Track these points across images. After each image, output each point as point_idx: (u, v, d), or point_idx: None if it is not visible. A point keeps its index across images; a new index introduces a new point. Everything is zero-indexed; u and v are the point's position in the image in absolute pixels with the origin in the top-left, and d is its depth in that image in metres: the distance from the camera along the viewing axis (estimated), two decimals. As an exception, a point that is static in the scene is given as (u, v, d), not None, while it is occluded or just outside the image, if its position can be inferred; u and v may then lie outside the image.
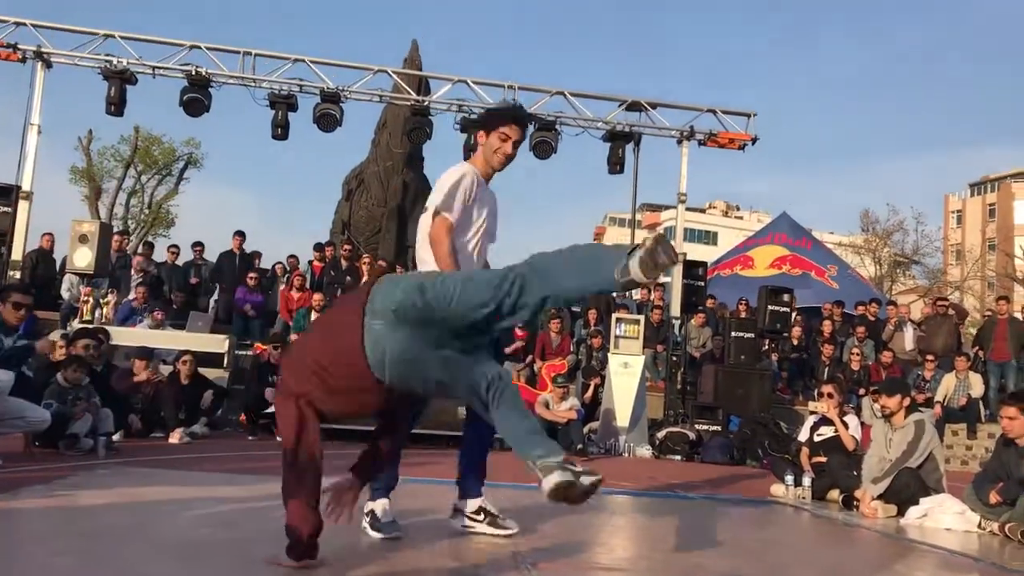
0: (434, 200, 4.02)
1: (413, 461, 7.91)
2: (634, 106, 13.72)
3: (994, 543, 5.14)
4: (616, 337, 11.08)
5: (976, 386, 12.43)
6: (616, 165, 13.71)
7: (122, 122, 32.45)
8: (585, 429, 10.14)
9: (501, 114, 4.14)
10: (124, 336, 10.36)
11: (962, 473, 9.23)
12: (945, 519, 5.61)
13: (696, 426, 11.05)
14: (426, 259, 4.02)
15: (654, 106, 13.83)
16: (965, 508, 5.66)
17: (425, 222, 4.07)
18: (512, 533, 3.92)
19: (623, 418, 10.49)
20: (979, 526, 5.52)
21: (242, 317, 12.65)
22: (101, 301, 11.54)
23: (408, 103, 13.86)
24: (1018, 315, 14.32)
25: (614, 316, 11.39)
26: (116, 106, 12.60)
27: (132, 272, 12.99)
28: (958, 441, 12.40)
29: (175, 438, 8.10)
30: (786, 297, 13.09)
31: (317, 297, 12.03)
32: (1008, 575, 4.14)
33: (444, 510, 4.86)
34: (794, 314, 14.67)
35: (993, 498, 5.50)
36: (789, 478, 6.90)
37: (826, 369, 12.66)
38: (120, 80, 12.51)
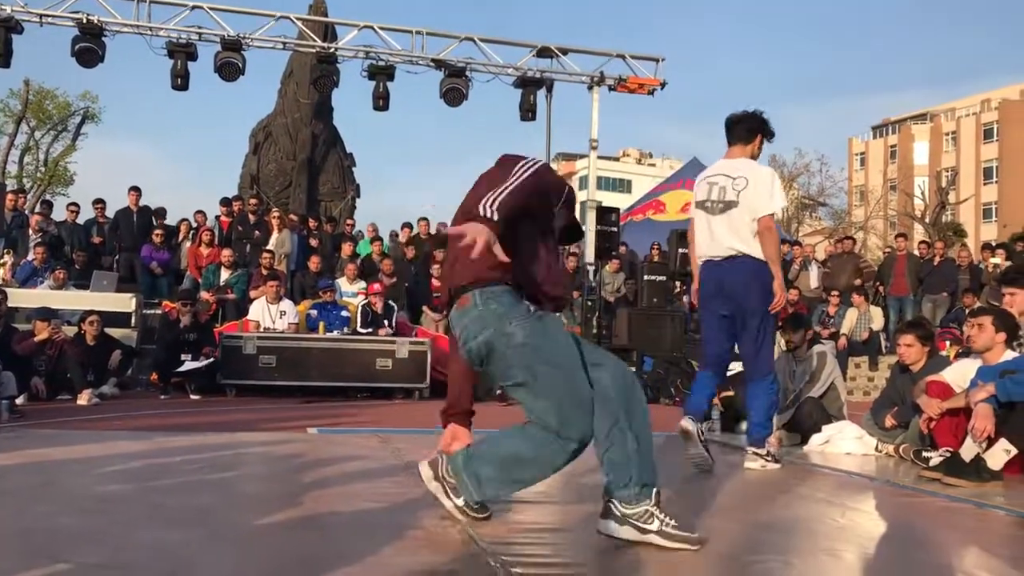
0: (763, 201, 4.75)
1: (328, 412, 7.93)
2: (544, 52, 13.65)
3: (889, 464, 5.42)
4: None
5: (877, 320, 12.98)
6: (528, 112, 13.67)
7: (10, 75, 30.94)
8: (503, 375, 10.25)
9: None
10: (25, 298, 9.98)
11: (865, 403, 9.62)
12: (845, 444, 5.88)
13: (611, 368, 11.27)
14: (750, 250, 4.77)
15: (564, 52, 13.78)
16: (864, 433, 5.94)
17: (746, 219, 4.76)
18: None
19: (540, 363, 10.61)
20: (876, 449, 5.81)
21: (149, 275, 12.31)
22: (-3, 263, 11.08)
23: (313, 51, 13.52)
24: (916, 252, 14.94)
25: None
26: (2, 57, 11.96)
27: (30, 232, 12.48)
28: (860, 372, 12.96)
29: (83, 399, 7.90)
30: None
31: (226, 253, 11.78)
32: (899, 491, 4.38)
33: (365, 456, 4.90)
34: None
35: (889, 422, 5.78)
36: (700, 412, 7.11)
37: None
38: (4, 29, 11.83)
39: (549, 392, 2.76)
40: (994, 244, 15.74)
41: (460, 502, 2.99)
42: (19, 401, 7.03)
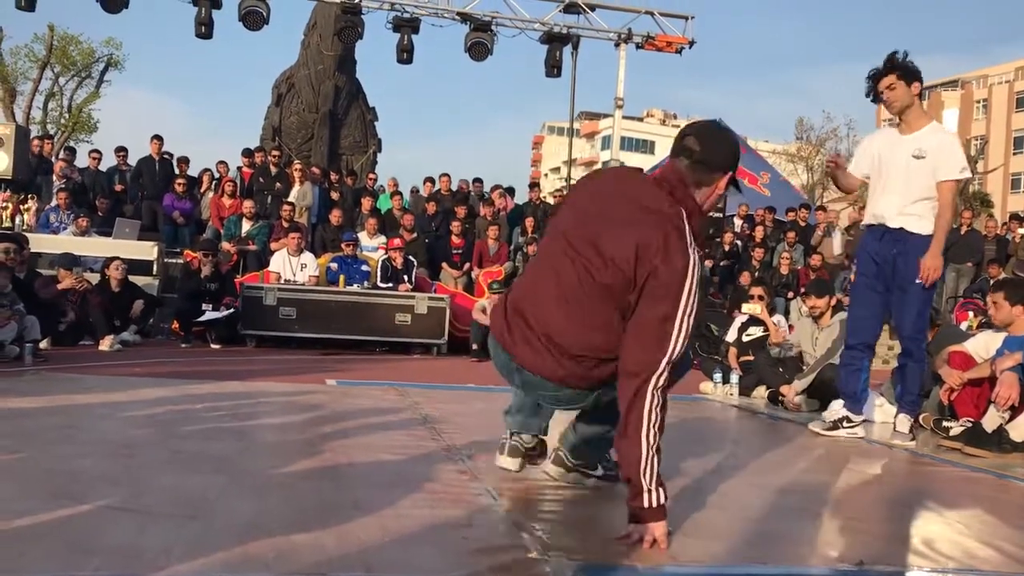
0: (952, 165, 4.50)
1: (347, 365, 7.97)
2: (572, 7, 13.48)
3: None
4: (552, 243, 11.10)
5: (899, 288, 12.84)
6: (554, 68, 13.53)
7: (35, 20, 30.81)
8: (520, 333, 10.23)
9: None
10: (48, 243, 10.03)
11: (885, 371, 9.55)
12: (865, 411, 5.84)
13: (629, 329, 11.21)
14: (927, 215, 4.57)
15: (592, 7, 13.60)
16: (884, 401, 5.90)
17: (928, 182, 4.52)
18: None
19: (558, 322, 10.58)
20: (896, 417, 5.76)
21: (171, 224, 12.35)
22: (22, 208, 11.12)
23: (338, 1, 13.39)
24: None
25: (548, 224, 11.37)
26: (27, 0, 11.94)
27: (54, 178, 12.52)
28: (881, 341, 12.80)
29: (105, 345, 7.96)
30: (719, 203, 13.21)
31: (248, 204, 11.78)
32: (919, 459, 4.36)
33: (383, 409, 4.93)
34: (740, 221, 14.91)
35: (909, 390, 5.73)
36: (717, 376, 7.10)
37: (756, 273, 12.91)
38: (30, -28, 11.83)
39: None
40: (1022, 215, 15.50)
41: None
42: (43, 345, 7.10)
